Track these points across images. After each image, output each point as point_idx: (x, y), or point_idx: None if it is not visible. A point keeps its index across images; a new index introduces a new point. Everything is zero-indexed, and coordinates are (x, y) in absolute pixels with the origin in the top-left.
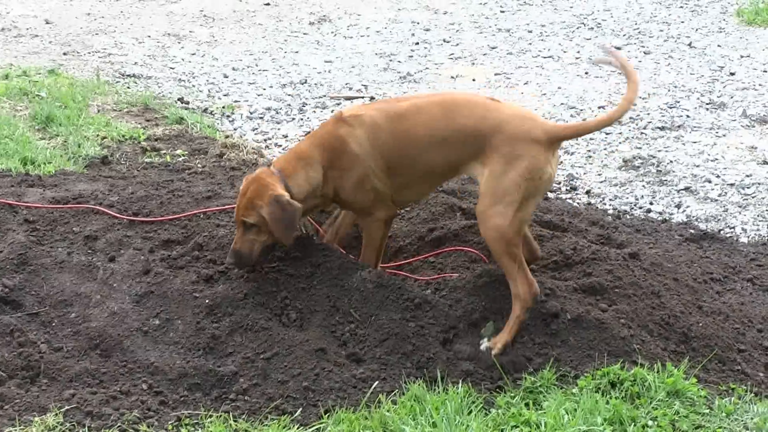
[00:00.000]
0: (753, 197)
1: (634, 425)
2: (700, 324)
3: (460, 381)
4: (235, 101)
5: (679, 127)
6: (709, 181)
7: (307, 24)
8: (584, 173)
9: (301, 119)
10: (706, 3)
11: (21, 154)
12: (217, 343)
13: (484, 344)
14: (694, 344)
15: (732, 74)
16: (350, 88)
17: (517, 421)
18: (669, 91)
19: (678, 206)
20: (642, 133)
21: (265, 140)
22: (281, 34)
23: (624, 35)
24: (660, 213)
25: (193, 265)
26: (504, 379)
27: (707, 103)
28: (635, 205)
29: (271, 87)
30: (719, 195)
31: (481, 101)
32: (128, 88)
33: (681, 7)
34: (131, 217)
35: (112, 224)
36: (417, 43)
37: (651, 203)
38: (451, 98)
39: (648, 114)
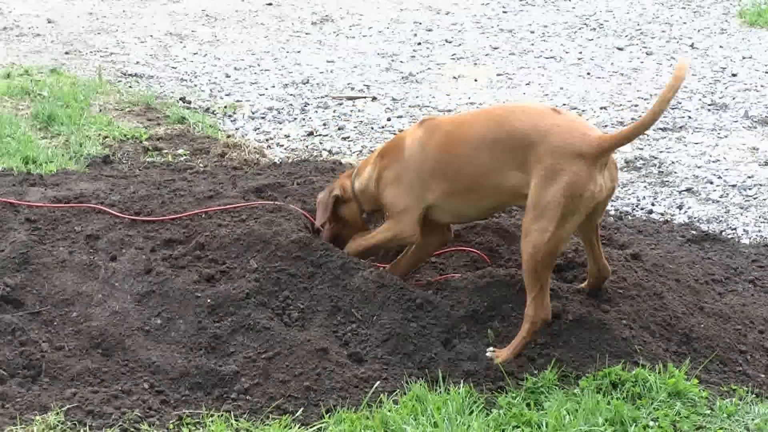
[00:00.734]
0: (755, 198)
1: (636, 426)
2: (702, 325)
3: (462, 381)
4: (237, 101)
5: (681, 128)
6: (711, 183)
7: (309, 24)
8: None
9: (303, 119)
10: (708, 4)
11: (23, 153)
12: (218, 343)
13: (489, 352)
14: (695, 345)
15: (734, 75)
16: (352, 88)
17: (519, 421)
18: None
19: (680, 207)
20: (644, 133)
21: (267, 140)
22: (283, 33)
23: (626, 36)
24: (662, 214)
25: (194, 265)
26: (505, 380)
27: (709, 104)
28: (637, 206)
29: (273, 87)
30: (721, 196)
31: (539, 110)
32: (130, 87)
33: (683, 8)
34: (133, 217)
35: (114, 223)
36: (419, 44)
37: (653, 204)
38: (514, 105)
39: None
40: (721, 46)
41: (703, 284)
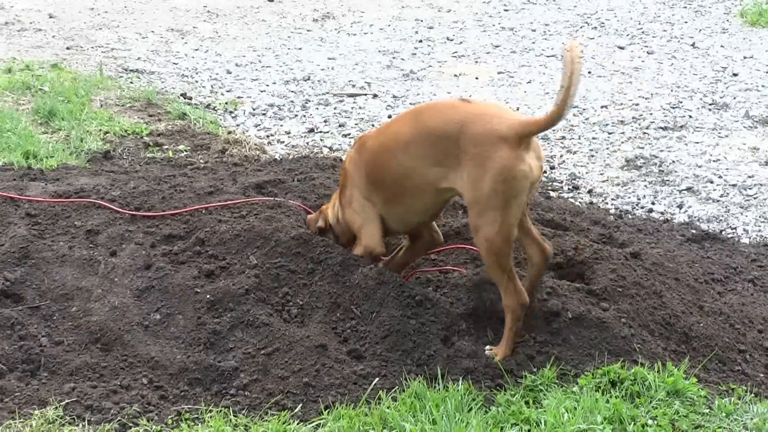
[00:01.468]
0: (755, 198)
1: (634, 424)
2: (701, 324)
3: (461, 378)
4: (238, 97)
5: (681, 127)
6: (711, 182)
7: (310, 21)
8: (586, 172)
9: (304, 116)
10: (709, 4)
11: (23, 148)
12: (217, 339)
13: (487, 350)
14: (694, 344)
15: (735, 75)
16: (353, 86)
17: (517, 419)
18: (672, 91)
19: (680, 206)
20: (644, 133)
21: (267, 137)
22: (285, 30)
23: (627, 35)
24: (662, 213)
25: (194, 260)
26: (504, 377)
27: (710, 104)
28: (637, 205)
29: (274, 83)
30: (721, 195)
31: (449, 103)
32: (131, 83)
33: (684, 7)
34: (133, 212)
35: (114, 219)
36: (420, 41)
37: (653, 203)
38: (423, 105)
39: (651, 114)
40: (722, 46)
41: (702, 283)
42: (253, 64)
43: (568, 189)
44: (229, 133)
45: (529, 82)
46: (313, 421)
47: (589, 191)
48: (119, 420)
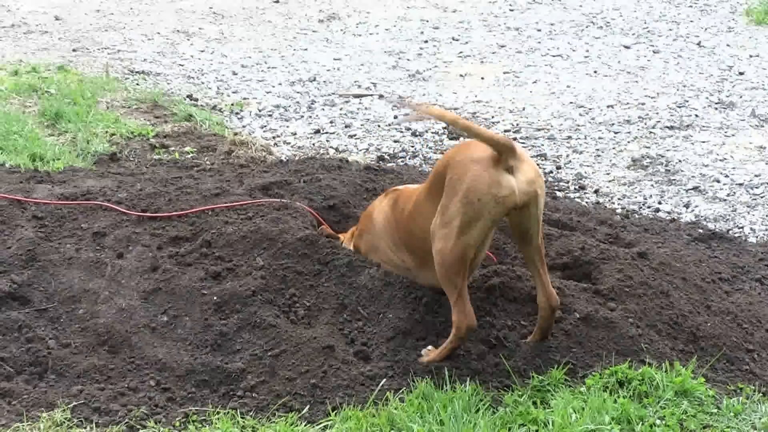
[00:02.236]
0: (761, 197)
1: (642, 424)
2: (709, 324)
3: (468, 379)
4: (244, 98)
5: (687, 126)
6: (718, 181)
7: (316, 21)
8: (593, 172)
9: (310, 117)
10: (715, 2)
11: (30, 150)
12: (224, 340)
13: (424, 350)
14: (702, 344)
15: (741, 74)
16: (359, 86)
17: (525, 419)
18: (678, 90)
19: (686, 206)
20: (651, 132)
21: (273, 138)
22: (290, 31)
23: (633, 34)
24: (668, 212)
25: (201, 262)
26: (512, 378)
27: (716, 103)
28: (644, 205)
29: (280, 84)
30: (728, 195)
31: (451, 150)
32: (137, 84)
33: (690, 6)
34: (140, 214)
35: (121, 221)
36: (426, 41)
37: (659, 203)
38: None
39: (657, 113)
40: (728, 45)
41: (709, 283)
42: (259, 65)
43: (575, 189)
44: (236, 134)
45: (534, 82)
46: (320, 423)
47: (596, 191)
48: (127, 422)
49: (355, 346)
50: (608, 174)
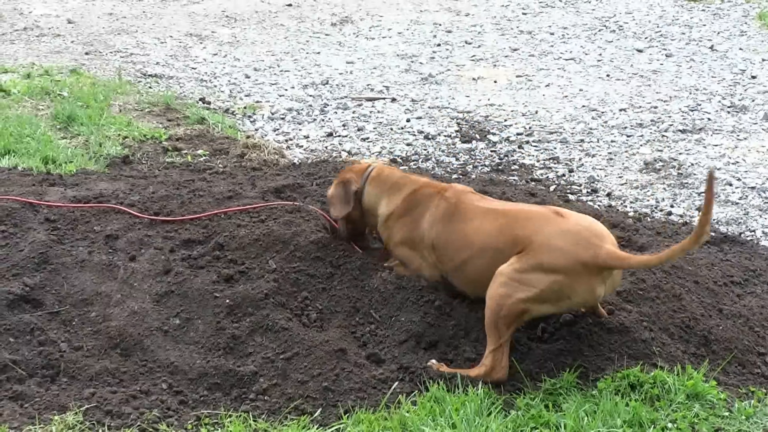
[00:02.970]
0: None
1: (654, 427)
2: (721, 327)
3: (480, 382)
4: (257, 102)
5: (700, 130)
6: (730, 185)
7: (329, 25)
8: (605, 175)
9: (323, 120)
10: (727, 6)
11: (42, 153)
12: (237, 343)
13: (432, 361)
14: (714, 347)
15: (753, 77)
16: (372, 89)
17: (537, 422)
18: (690, 94)
19: (699, 209)
20: (663, 135)
21: (286, 141)
22: (303, 34)
23: (646, 38)
24: (681, 216)
25: (213, 265)
26: (524, 381)
27: (728, 107)
28: (656, 208)
29: (293, 88)
30: (740, 198)
31: (546, 215)
32: (150, 88)
33: (703, 10)
34: (152, 217)
35: (133, 224)
36: (439, 45)
37: (672, 206)
38: (521, 209)
39: (669, 117)
40: (740, 49)
41: (721, 286)
42: (272, 68)
43: (587, 192)
44: (248, 137)
45: (547, 86)
46: (332, 426)
47: (608, 194)
48: (139, 425)
49: (368, 349)
50: (620, 177)
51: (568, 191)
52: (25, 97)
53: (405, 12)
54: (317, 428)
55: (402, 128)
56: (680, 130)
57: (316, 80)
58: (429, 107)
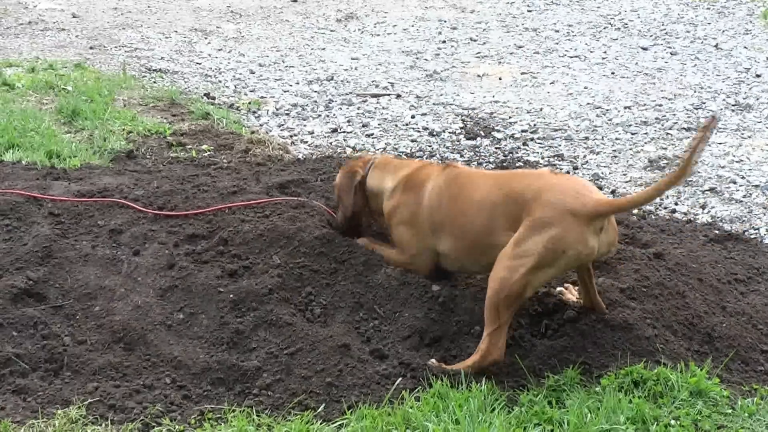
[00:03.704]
0: None
1: (657, 424)
2: (724, 324)
3: (484, 378)
4: (262, 97)
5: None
6: (734, 182)
7: (334, 21)
8: (609, 173)
9: (327, 116)
10: (732, 5)
11: (47, 147)
12: (240, 338)
13: (432, 360)
14: (717, 344)
15: (758, 76)
16: (377, 86)
17: (540, 418)
18: (695, 92)
19: (703, 207)
20: (667, 133)
21: (291, 136)
22: (308, 30)
23: (651, 36)
24: (685, 213)
25: (217, 260)
26: (527, 378)
27: (733, 105)
28: (660, 205)
29: (298, 83)
30: (744, 196)
31: (539, 172)
32: (154, 83)
33: (708, 8)
34: (156, 211)
35: (137, 218)
36: (444, 42)
37: (676, 203)
38: (518, 170)
39: (674, 115)
40: (745, 47)
41: (725, 284)
42: (277, 64)
43: None
44: (253, 132)
45: (552, 83)
46: (336, 421)
47: (612, 192)
48: (142, 419)
49: (371, 344)
50: (625, 175)
51: None
52: (29, 92)
53: (410, 8)
54: (320, 424)
55: (407, 125)
56: (684, 128)
57: (320, 76)
58: (434, 104)
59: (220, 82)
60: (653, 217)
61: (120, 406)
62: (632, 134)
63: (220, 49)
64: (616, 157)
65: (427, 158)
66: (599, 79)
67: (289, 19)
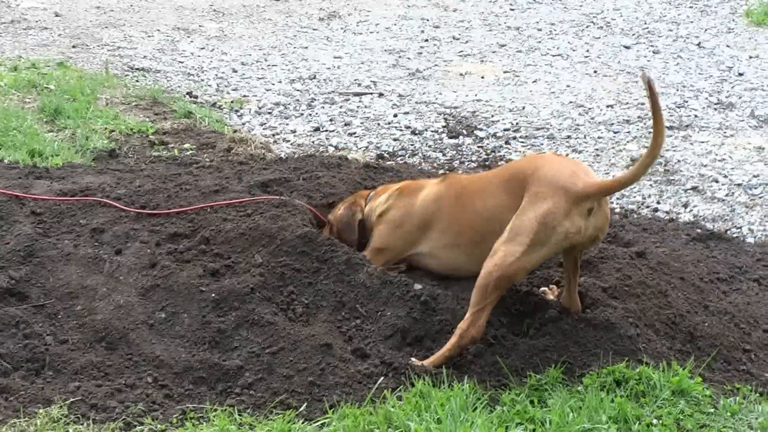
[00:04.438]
0: (760, 197)
1: (639, 424)
2: (706, 323)
3: (466, 378)
4: (244, 96)
5: (687, 126)
6: (717, 181)
7: (316, 20)
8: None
9: (310, 115)
10: (715, 3)
11: (29, 146)
12: (222, 337)
13: (413, 360)
14: (699, 344)
15: (740, 75)
16: (359, 84)
17: (522, 418)
18: (677, 90)
19: (685, 206)
20: (650, 132)
21: (273, 135)
22: (291, 29)
23: (633, 34)
24: (667, 212)
25: (199, 259)
26: (509, 377)
27: (715, 103)
28: (642, 204)
29: (280, 82)
30: (726, 195)
31: (542, 154)
32: (137, 81)
33: (690, 7)
34: (138, 210)
35: (119, 217)
36: (426, 40)
37: (658, 202)
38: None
39: None
40: (727, 46)
41: (707, 283)
42: (259, 62)
43: None
44: (235, 131)
45: (534, 82)
46: (318, 420)
47: None
48: (124, 419)
49: (353, 344)
50: (607, 173)
51: None
52: (11, 90)
53: (392, 7)
54: (303, 423)
55: (389, 123)
56: (667, 127)
57: (303, 75)
58: (416, 102)
59: (202, 80)
60: (635, 216)
61: (102, 405)
62: (615, 133)
63: (202, 48)
64: (598, 155)
65: (409, 156)
66: (582, 78)
67: (272, 17)
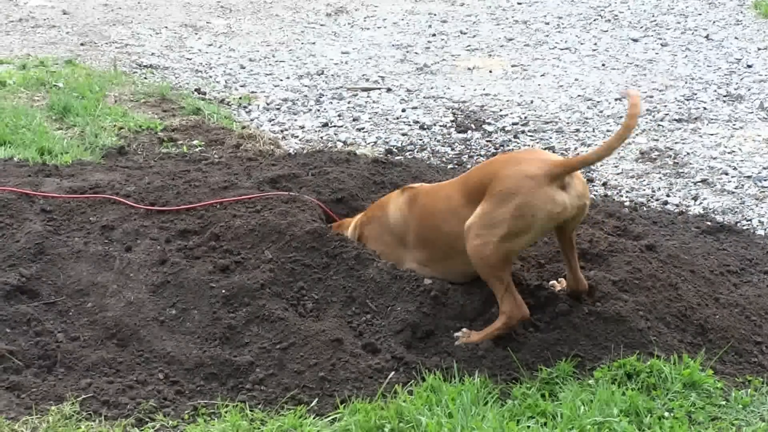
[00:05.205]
0: None
1: (650, 416)
2: (717, 316)
3: (477, 372)
4: (252, 92)
5: (696, 119)
6: (726, 174)
7: (324, 15)
8: (601, 165)
9: (318, 110)
10: None
11: (38, 144)
12: (233, 333)
13: (459, 333)
14: (710, 336)
15: (749, 67)
16: (367, 80)
17: (533, 411)
18: (686, 83)
19: (695, 198)
20: (659, 125)
21: (281, 131)
22: (298, 25)
23: (641, 27)
24: (677, 205)
25: (209, 255)
26: (520, 371)
27: (724, 96)
28: (652, 197)
29: (288, 78)
30: (736, 187)
31: (491, 159)
32: (145, 78)
33: None
34: (148, 207)
35: (129, 214)
36: (434, 35)
37: (668, 195)
38: (472, 169)
39: (665, 106)
40: (736, 38)
41: (718, 275)
42: (267, 58)
43: None
44: (243, 128)
45: (543, 75)
46: (329, 416)
47: (604, 184)
48: (135, 415)
49: (364, 339)
50: (616, 167)
51: None
52: (20, 88)
53: (400, 2)
54: (314, 418)
55: (397, 118)
56: (676, 120)
57: (311, 70)
58: (424, 97)
59: (210, 77)
60: (645, 209)
61: (113, 401)
62: None
63: (210, 45)
64: None
65: (418, 151)
66: (590, 71)
67: (279, 13)
